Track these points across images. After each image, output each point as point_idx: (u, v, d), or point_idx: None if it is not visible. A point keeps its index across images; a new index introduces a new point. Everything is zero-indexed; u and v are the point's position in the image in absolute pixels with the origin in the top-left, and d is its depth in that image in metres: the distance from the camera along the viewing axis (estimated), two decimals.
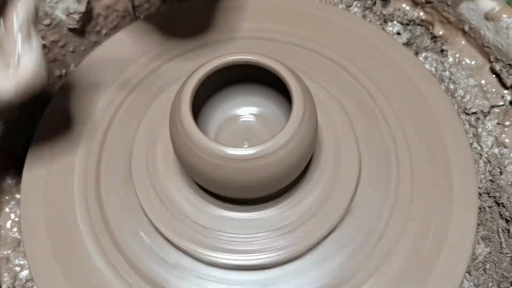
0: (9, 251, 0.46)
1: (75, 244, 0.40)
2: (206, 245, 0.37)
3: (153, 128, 0.43)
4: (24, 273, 0.45)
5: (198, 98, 0.37)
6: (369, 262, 0.38)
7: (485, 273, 0.42)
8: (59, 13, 0.51)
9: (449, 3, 0.50)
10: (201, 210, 0.38)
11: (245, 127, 0.42)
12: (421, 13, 0.54)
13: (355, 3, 0.56)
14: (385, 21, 0.55)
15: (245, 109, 0.43)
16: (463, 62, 0.51)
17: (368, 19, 0.55)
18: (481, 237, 0.43)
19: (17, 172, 0.50)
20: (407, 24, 0.54)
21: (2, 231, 0.47)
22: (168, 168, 0.40)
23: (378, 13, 0.55)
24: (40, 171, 0.44)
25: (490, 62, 0.49)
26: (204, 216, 0.38)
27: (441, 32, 0.52)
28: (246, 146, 0.41)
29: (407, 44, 0.54)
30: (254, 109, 0.43)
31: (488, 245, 0.43)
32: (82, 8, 0.51)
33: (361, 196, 0.40)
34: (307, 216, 0.39)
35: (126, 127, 0.45)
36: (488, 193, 0.44)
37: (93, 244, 0.40)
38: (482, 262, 0.42)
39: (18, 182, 0.49)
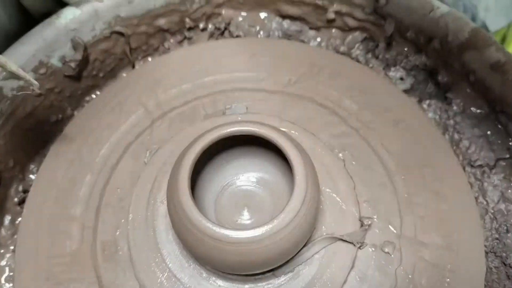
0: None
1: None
2: None
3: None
4: None
5: (199, 161, 0.36)
6: None
7: None
8: (55, 62, 0.50)
9: (454, 51, 0.49)
10: (199, 282, 0.37)
11: (245, 191, 0.41)
12: (425, 59, 0.53)
13: (357, 45, 0.55)
14: (387, 65, 0.54)
15: (246, 172, 0.42)
16: (468, 111, 0.50)
17: (371, 65, 0.54)
18: None
19: (13, 223, 0.49)
20: (411, 70, 0.53)
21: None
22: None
23: (380, 57, 0.54)
24: (35, 223, 0.44)
25: (496, 112, 0.48)
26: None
27: (445, 79, 0.51)
28: (246, 213, 0.40)
29: (411, 89, 0.53)
30: (254, 173, 0.42)
31: None
32: (78, 56, 0.50)
33: (363, 258, 0.39)
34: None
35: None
36: (494, 253, 0.43)
37: None
38: None
39: (14, 233, 0.48)
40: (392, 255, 0.39)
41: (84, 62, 0.52)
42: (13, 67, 0.39)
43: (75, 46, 0.50)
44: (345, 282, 0.38)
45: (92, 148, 0.47)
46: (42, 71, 0.49)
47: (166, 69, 0.52)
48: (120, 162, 0.45)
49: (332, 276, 0.38)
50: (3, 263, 0.47)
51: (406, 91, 0.52)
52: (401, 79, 0.53)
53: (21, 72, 0.39)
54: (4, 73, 0.45)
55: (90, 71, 0.54)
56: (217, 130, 0.35)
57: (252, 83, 0.50)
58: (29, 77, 0.40)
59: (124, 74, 0.57)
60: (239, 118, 0.45)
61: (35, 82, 0.41)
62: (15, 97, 0.47)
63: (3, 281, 0.46)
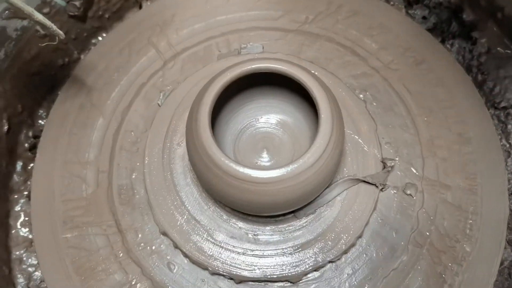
0: (22, 251, 0.45)
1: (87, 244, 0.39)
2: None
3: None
4: (39, 273, 0.45)
5: (218, 101, 0.34)
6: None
7: (510, 278, 0.41)
8: (59, 0, 0.47)
9: None
10: (219, 224, 0.37)
11: (265, 133, 0.40)
12: None
13: None
14: (409, 3, 0.51)
15: (265, 114, 0.41)
16: (494, 51, 0.47)
17: (392, 2, 0.51)
18: (507, 241, 0.42)
19: (24, 169, 0.48)
20: (434, 8, 0.50)
21: (13, 231, 0.46)
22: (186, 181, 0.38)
23: None
24: (49, 168, 0.43)
25: None
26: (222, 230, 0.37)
27: (470, 17, 0.49)
28: (265, 155, 0.39)
29: (433, 29, 0.50)
30: (274, 114, 0.41)
31: None
32: None
33: (385, 200, 0.39)
34: (330, 227, 0.37)
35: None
36: None
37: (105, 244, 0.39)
38: (508, 268, 0.41)
39: (26, 179, 0.48)
40: (414, 197, 0.39)
41: (89, 1, 0.50)
42: (39, 16, 0.38)
43: None
44: (367, 224, 0.37)
45: (103, 92, 0.45)
46: (46, 10, 0.47)
47: (176, 8, 0.49)
48: (132, 104, 0.44)
49: (354, 218, 0.37)
50: (18, 208, 0.47)
51: (428, 30, 0.50)
52: (424, 17, 0.50)
53: (47, 22, 0.38)
54: (7, 12, 0.43)
55: (95, 11, 0.51)
56: (238, 67, 0.33)
57: (267, 22, 0.47)
58: (55, 26, 0.39)
59: (131, 15, 0.54)
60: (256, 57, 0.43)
61: (60, 32, 0.39)
62: (20, 38, 0.45)
63: (19, 226, 0.46)
